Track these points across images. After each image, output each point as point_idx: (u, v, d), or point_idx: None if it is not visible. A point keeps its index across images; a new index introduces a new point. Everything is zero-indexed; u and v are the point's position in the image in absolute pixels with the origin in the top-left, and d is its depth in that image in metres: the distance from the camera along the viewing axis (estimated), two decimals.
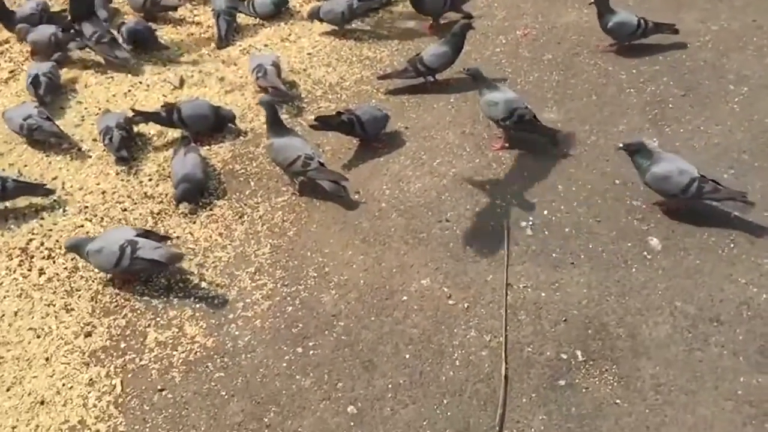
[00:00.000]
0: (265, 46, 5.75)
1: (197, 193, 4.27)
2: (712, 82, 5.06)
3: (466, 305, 3.67)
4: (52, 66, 5.20)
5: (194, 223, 4.20)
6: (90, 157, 4.69)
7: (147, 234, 3.82)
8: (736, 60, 5.24)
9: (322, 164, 4.30)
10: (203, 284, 3.84)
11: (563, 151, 4.54)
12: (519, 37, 5.71)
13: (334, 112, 4.68)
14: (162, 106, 4.78)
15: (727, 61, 5.25)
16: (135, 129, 4.80)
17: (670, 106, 4.87)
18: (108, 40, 5.44)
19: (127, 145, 4.60)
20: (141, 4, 6.08)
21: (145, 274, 3.83)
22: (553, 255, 3.89)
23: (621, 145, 4.14)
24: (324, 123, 4.59)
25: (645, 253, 3.87)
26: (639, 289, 3.69)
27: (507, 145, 4.62)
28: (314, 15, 5.84)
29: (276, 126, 4.36)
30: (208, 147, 4.74)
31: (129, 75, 5.42)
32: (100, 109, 5.07)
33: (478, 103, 4.76)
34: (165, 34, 5.88)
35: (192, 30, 5.95)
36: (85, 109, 5.10)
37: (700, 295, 3.64)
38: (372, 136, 4.68)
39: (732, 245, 3.87)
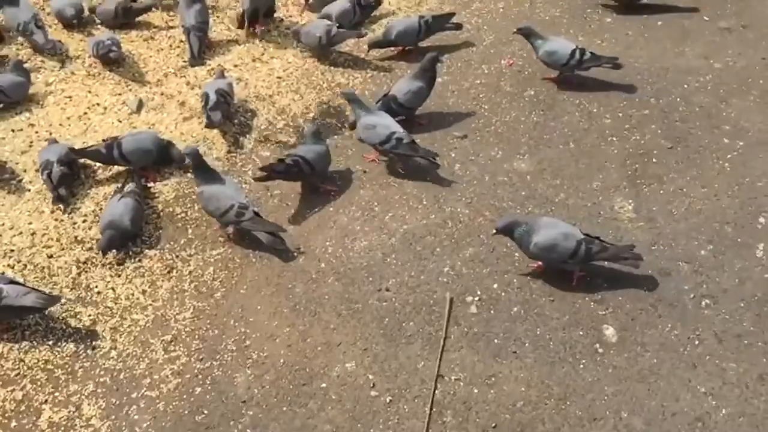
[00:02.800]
0: (235, 66, 5.29)
1: (123, 242, 3.88)
2: (704, 134, 4.46)
3: (389, 398, 3.22)
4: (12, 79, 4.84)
5: (119, 276, 3.81)
6: (28, 190, 4.31)
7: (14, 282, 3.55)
8: (736, 107, 4.62)
9: (257, 214, 3.87)
10: (113, 353, 3.46)
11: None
12: (503, 67, 5.15)
13: (276, 160, 4.20)
14: (103, 140, 4.38)
15: (725, 108, 4.64)
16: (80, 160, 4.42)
17: (654, 160, 4.30)
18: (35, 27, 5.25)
19: (67, 182, 4.21)
20: (112, 14, 5.65)
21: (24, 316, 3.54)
22: (495, 341, 3.41)
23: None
24: (270, 172, 4.11)
25: (597, 345, 3.37)
26: (584, 392, 3.20)
27: (378, 161, 4.36)
28: (295, 36, 5.35)
29: (204, 172, 3.94)
30: (152, 185, 4.33)
31: (88, 95, 5.00)
32: (51, 134, 4.68)
33: (438, 144, 4.27)
34: (134, 48, 5.43)
35: (162, 44, 5.50)
36: (36, 133, 4.71)
37: (652, 405, 3.14)
38: (322, 174, 4.24)
39: (696, 342, 3.35)
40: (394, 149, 4.24)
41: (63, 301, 3.62)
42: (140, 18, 5.70)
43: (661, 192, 4.09)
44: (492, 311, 3.54)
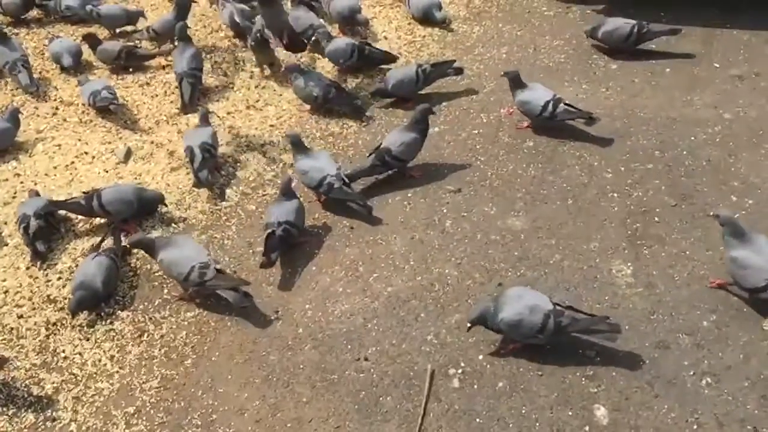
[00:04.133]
0: (228, 113, 5.14)
1: (95, 303, 3.70)
2: (711, 190, 4.18)
3: None
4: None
5: (88, 339, 3.62)
6: (6, 245, 4.17)
7: None
8: (746, 162, 4.35)
9: (219, 271, 3.68)
10: (72, 426, 3.25)
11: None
12: (502, 116, 4.93)
13: (266, 237, 3.92)
14: (83, 193, 4.24)
15: (734, 162, 4.36)
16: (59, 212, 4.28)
17: (656, 219, 4.03)
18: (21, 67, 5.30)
19: (45, 236, 4.06)
20: (114, 56, 5.57)
21: None
22: (478, 420, 3.15)
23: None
24: (269, 256, 3.85)
25: (587, 428, 3.09)
26: None
27: (321, 200, 4.26)
28: (291, 82, 5.19)
29: (158, 239, 3.78)
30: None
31: (78, 143, 4.88)
32: (36, 184, 4.55)
33: (430, 198, 4.07)
34: (128, 94, 5.32)
35: (157, 90, 5.38)
36: (21, 183, 4.58)
37: None
38: (302, 231, 4.05)
39: (695, 426, 3.06)
40: (328, 194, 4.16)
41: (28, 366, 3.46)
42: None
43: (663, 254, 3.82)
44: (475, 386, 3.28)
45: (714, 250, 3.79)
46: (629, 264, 3.78)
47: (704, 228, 3.93)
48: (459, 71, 5.18)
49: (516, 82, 4.69)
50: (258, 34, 5.27)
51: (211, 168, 4.47)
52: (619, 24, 5.29)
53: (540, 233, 4.02)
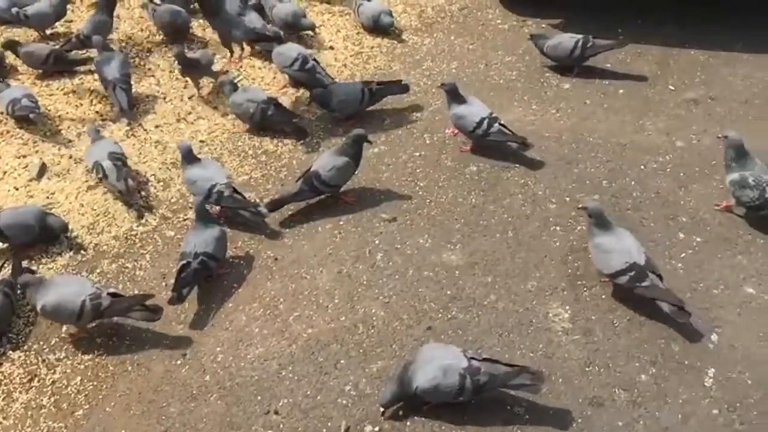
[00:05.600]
0: (156, 127, 4.77)
1: None
2: (658, 226, 3.91)
3: None
4: None
5: None
6: None
7: None
8: (696, 195, 4.08)
9: (115, 294, 3.36)
10: None
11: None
12: (446, 137, 4.62)
13: (179, 268, 3.58)
14: None
15: (683, 195, 4.09)
16: None
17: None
18: None
19: None
20: (42, 60, 5.16)
21: None
22: None
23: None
24: (179, 291, 3.50)
25: None
26: None
27: (223, 219, 3.93)
28: (227, 96, 4.80)
29: (40, 282, 3.41)
30: (36, 268, 3.79)
31: None
32: None
33: (362, 227, 3.75)
34: (51, 103, 4.92)
35: (83, 100, 4.98)
36: None
37: None
38: (222, 262, 3.72)
39: None
40: (219, 203, 3.92)
41: None
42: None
43: (603, 297, 3.53)
44: None
45: None
46: (567, 307, 3.49)
47: None
48: (405, 89, 4.86)
49: (453, 95, 4.41)
50: (180, 59, 4.85)
51: (128, 176, 4.13)
52: (564, 38, 5.01)
53: (476, 270, 3.71)
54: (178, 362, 3.32)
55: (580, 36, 4.96)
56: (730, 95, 4.85)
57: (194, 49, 5.36)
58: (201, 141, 4.65)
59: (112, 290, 3.39)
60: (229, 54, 4.91)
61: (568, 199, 4.09)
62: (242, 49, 4.93)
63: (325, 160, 4.07)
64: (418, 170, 4.38)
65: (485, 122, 4.29)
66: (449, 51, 5.52)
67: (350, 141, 4.06)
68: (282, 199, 4.03)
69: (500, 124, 4.32)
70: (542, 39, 5.08)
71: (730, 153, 3.80)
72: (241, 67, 5.22)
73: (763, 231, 3.80)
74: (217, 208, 4.01)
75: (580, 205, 3.75)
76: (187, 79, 5.02)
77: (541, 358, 3.25)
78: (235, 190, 3.94)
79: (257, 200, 4.18)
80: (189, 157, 4.04)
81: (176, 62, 4.86)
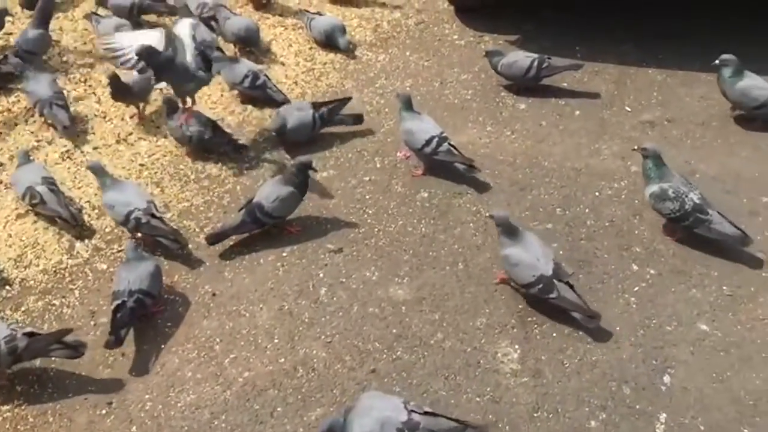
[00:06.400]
0: (95, 149, 4.51)
1: None
2: (612, 257, 3.77)
3: None
4: None
5: None
6: None
7: None
8: (650, 223, 3.94)
9: (31, 333, 3.10)
10: None
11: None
12: (398, 160, 4.44)
13: (113, 309, 3.32)
14: None
15: (638, 224, 3.95)
16: None
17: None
18: None
19: None
20: None
21: None
22: None
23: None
24: (116, 332, 3.24)
25: None
26: None
27: (141, 244, 3.69)
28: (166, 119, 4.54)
29: None
30: None
31: None
32: None
33: (307, 259, 3.56)
34: None
35: (19, 119, 4.70)
36: None
37: None
38: (157, 298, 3.48)
39: None
40: (138, 230, 3.73)
41: None
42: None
43: (554, 335, 3.37)
44: None
45: (610, 331, 3.37)
46: (517, 347, 3.32)
47: (601, 303, 3.50)
48: (358, 119, 4.66)
49: (407, 108, 4.25)
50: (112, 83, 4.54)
51: (65, 201, 3.92)
52: (519, 57, 4.86)
53: (423, 305, 3.53)
54: (104, 412, 3.08)
55: (535, 55, 4.81)
56: (687, 117, 4.73)
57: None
58: (141, 164, 4.41)
59: (28, 330, 3.14)
60: (181, 103, 4.52)
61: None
62: (194, 102, 4.47)
63: (269, 190, 3.85)
64: (367, 196, 4.18)
65: (435, 141, 4.13)
66: (404, 68, 5.34)
67: (295, 170, 3.85)
68: (223, 232, 3.80)
69: (450, 144, 4.16)
70: (497, 56, 4.91)
71: (649, 165, 3.76)
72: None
73: (717, 262, 3.68)
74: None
75: (487, 213, 3.67)
76: None
77: (488, 403, 3.08)
78: (154, 216, 3.71)
79: (197, 229, 3.97)
80: (104, 178, 3.82)
81: (108, 85, 4.57)
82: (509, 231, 3.46)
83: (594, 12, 5.76)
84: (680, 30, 5.46)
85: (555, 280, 3.34)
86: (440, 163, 4.23)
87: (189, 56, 4.17)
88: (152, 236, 3.75)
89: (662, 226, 3.84)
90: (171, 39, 4.15)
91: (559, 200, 4.11)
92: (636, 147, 3.93)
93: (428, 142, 4.14)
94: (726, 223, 3.64)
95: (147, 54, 4.04)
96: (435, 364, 3.25)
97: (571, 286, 3.36)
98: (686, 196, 3.66)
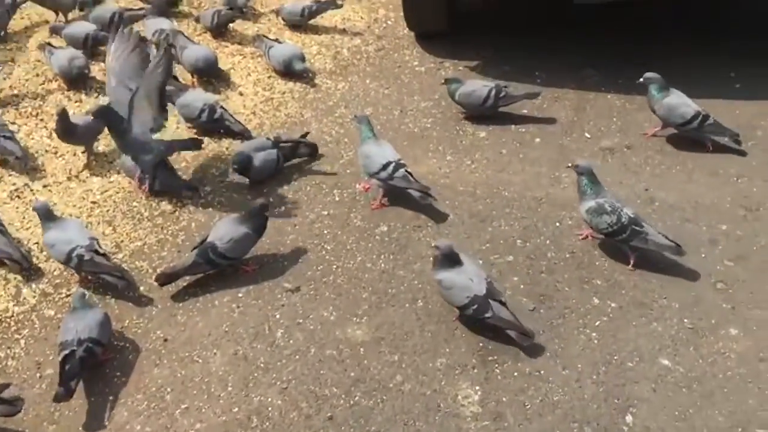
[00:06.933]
0: (44, 186, 4.35)
1: None
2: (573, 290, 3.70)
3: None
4: None
5: None
6: None
7: None
8: (610, 253, 3.88)
9: None
10: None
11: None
12: (357, 193, 4.34)
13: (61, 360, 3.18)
14: None
15: (598, 256, 3.89)
16: None
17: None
18: None
19: None
20: None
21: None
22: None
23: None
24: (65, 385, 3.09)
25: None
26: None
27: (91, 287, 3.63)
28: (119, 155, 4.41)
29: None
30: None
31: None
32: None
33: (263, 300, 3.44)
34: None
35: None
36: None
37: None
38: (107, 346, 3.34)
39: None
40: (82, 269, 3.61)
41: None
42: None
43: (515, 374, 3.29)
44: None
45: (571, 368, 3.30)
46: (477, 388, 3.23)
47: (562, 339, 3.43)
48: (313, 150, 4.59)
49: (365, 130, 4.22)
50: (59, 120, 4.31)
51: (17, 245, 3.79)
52: (477, 86, 4.81)
53: (382, 346, 3.43)
54: None
55: (493, 84, 4.77)
56: (646, 143, 4.71)
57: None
58: (93, 202, 4.26)
59: None
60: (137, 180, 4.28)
61: (481, 261, 3.83)
62: (153, 177, 4.22)
63: (223, 229, 3.73)
64: (325, 231, 4.08)
65: (391, 166, 4.07)
66: (364, 96, 5.27)
67: (254, 211, 3.74)
68: (174, 273, 3.67)
69: (407, 171, 4.11)
70: (455, 84, 4.86)
71: (584, 182, 3.79)
72: None
73: (677, 294, 3.63)
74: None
75: (433, 244, 3.60)
76: None
77: None
78: (97, 252, 3.58)
79: (150, 270, 3.83)
80: (47, 218, 3.69)
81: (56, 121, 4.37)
82: (450, 260, 3.44)
83: (554, 36, 5.75)
84: (641, 54, 5.46)
85: (489, 300, 3.34)
86: (396, 190, 4.16)
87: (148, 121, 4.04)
88: (96, 274, 3.62)
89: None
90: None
91: (519, 231, 4.05)
92: (570, 164, 3.94)
93: (385, 166, 4.08)
94: (660, 235, 3.68)
95: (102, 114, 3.96)
96: (394, 409, 3.14)
97: (504, 304, 3.37)
98: (622, 210, 3.70)
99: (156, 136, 4.18)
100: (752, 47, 5.45)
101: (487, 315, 3.34)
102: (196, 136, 4.67)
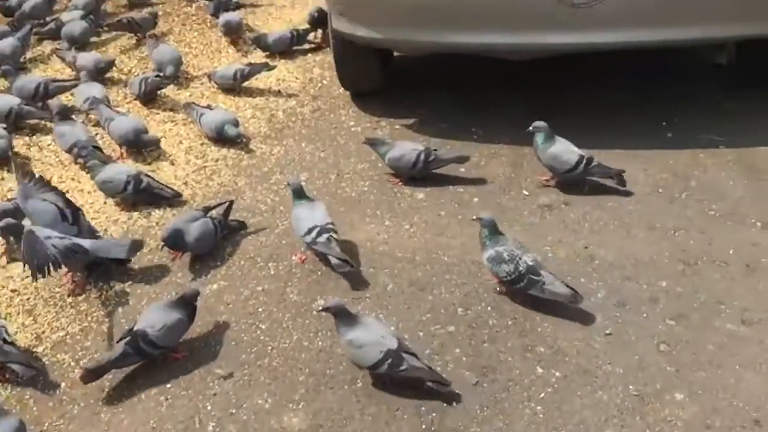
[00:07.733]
0: None
1: None
2: (516, 360, 3.57)
3: None
4: None
5: None
6: None
7: None
8: (553, 319, 3.78)
9: None
10: None
11: None
12: (293, 264, 4.18)
13: None
14: None
15: (541, 321, 3.78)
16: None
17: (453, 403, 3.35)
18: None
19: None
20: None
21: None
22: None
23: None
24: None
25: None
26: None
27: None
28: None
29: None
30: None
31: None
32: None
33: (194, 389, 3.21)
34: None
35: None
36: None
37: None
38: None
39: None
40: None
41: None
42: None
43: None
44: None
45: None
46: None
47: (506, 415, 3.28)
48: (242, 225, 4.45)
49: (297, 195, 4.15)
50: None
51: None
52: (406, 150, 4.74)
53: None
54: None
55: (422, 148, 4.70)
56: (584, 199, 4.66)
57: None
58: (13, 290, 4.01)
59: None
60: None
61: (422, 334, 3.70)
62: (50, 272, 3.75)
63: (153, 317, 3.50)
64: (260, 309, 3.90)
65: (315, 230, 3.98)
66: (300, 160, 5.14)
67: (187, 297, 3.55)
68: (100, 367, 3.42)
69: (332, 237, 4.00)
70: (382, 146, 4.78)
71: (485, 233, 3.85)
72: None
73: (621, 358, 3.54)
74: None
75: (321, 306, 3.59)
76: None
77: None
78: (5, 341, 3.35)
79: (72, 363, 3.58)
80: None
81: None
82: (347, 318, 3.36)
83: (489, 90, 5.75)
84: (577, 106, 5.47)
85: (402, 353, 3.29)
86: (320, 256, 4.07)
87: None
88: (3, 363, 3.36)
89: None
90: None
91: (460, 299, 3.93)
92: (474, 217, 4.00)
93: (309, 230, 3.99)
94: (558, 282, 3.71)
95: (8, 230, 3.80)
96: None
97: (415, 356, 3.33)
98: (520, 259, 3.73)
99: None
100: (684, 94, 5.52)
101: (402, 368, 3.27)
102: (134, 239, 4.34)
